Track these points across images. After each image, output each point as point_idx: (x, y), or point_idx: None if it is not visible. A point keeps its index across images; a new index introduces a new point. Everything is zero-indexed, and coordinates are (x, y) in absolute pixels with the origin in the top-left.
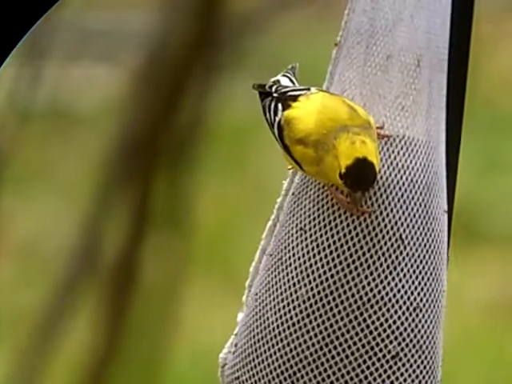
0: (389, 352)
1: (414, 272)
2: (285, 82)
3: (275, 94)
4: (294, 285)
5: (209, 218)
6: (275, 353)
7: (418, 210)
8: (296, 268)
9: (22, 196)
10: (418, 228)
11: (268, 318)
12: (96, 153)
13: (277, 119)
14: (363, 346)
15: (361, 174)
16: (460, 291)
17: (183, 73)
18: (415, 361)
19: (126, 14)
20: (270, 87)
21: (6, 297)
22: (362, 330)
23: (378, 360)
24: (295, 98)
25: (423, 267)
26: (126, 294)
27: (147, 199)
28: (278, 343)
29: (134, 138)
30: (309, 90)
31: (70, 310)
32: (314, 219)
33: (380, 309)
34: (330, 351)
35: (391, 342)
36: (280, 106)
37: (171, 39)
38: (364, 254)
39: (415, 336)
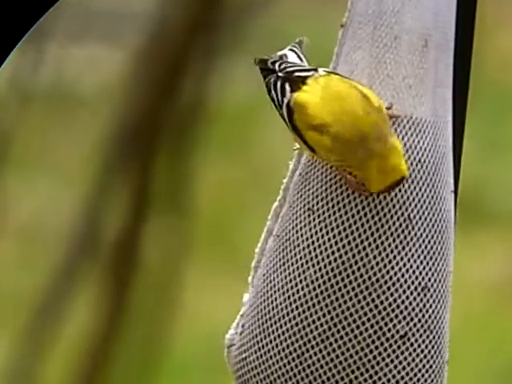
0: (397, 332)
1: (423, 252)
2: (292, 57)
3: (280, 74)
4: (303, 265)
5: (210, 200)
6: (283, 333)
7: (425, 190)
8: (304, 248)
9: (22, 178)
10: (426, 208)
11: (276, 299)
12: (97, 135)
13: (285, 100)
14: (372, 326)
15: (396, 186)
16: (463, 272)
17: (184, 55)
18: (423, 341)
19: None
20: (273, 63)
21: (6, 279)
22: (371, 310)
23: (387, 340)
24: (303, 80)
25: (431, 247)
26: (127, 276)
27: (148, 182)
28: (286, 323)
29: (135, 120)
30: (316, 70)
31: (71, 292)
32: (322, 199)
33: (388, 289)
34: (338, 331)
35: (399, 322)
36: (287, 86)
37: (172, 21)
38: (372, 234)
39: (423, 316)
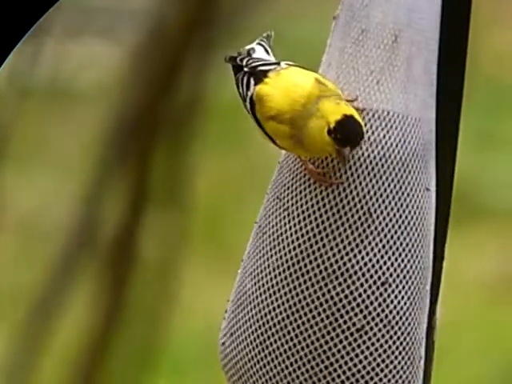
0: (353, 325)
1: (384, 247)
2: (259, 51)
3: (246, 69)
4: (267, 252)
5: (207, 194)
6: (250, 318)
7: (389, 186)
8: (270, 236)
9: (21, 173)
10: (389, 203)
11: (246, 285)
12: (95, 129)
13: (249, 94)
14: (327, 317)
15: (350, 128)
16: (459, 267)
17: (181, 51)
18: (383, 335)
19: None
20: (241, 60)
21: (5, 274)
22: (326, 301)
23: (343, 332)
24: (265, 74)
25: (394, 243)
26: (125, 270)
27: (146, 176)
28: (253, 309)
29: (132, 115)
30: (279, 64)
31: (69, 287)
32: (289, 188)
33: (345, 281)
34: (295, 320)
35: (356, 315)
36: (252, 80)
37: (170, 17)
38: (330, 224)
39: (383, 311)
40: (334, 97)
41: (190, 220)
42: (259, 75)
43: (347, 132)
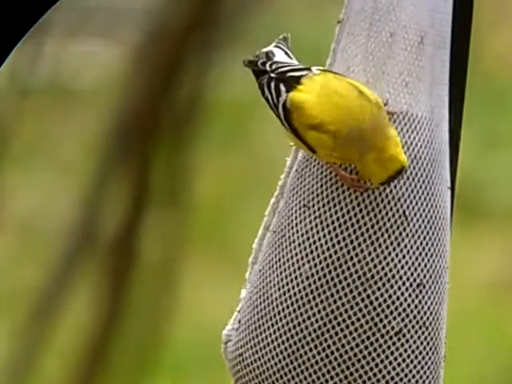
0: (392, 328)
1: (418, 248)
2: (279, 54)
3: (273, 75)
4: (298, 261)
5: (209, 193)
6: (279, 329)
7: (421, 187)
8: (300, 244)
9: (21, 172)
10: (422, 204)
11: (272, 295)
12: (96, 129)
13: (281, 100)
14: (367, 322)
15: (398, 176)
16: (460, 269)
17: (183, 49)
18: (419, 337)
19: None
20: (264, 64)
21: (5, 273)
22: (366, 307)
23: (382, 336)
24: (298, 80)
25: (426, 243)
26: (126, 269)
27: (146, 175)
28: (281, 319)
29: (133, 114)
30: (310, 70)
31: (70, 286)
32: (318, 195)
33: (384, 285)
34: (333, 327)
35: (395, 319)
36: (282, 87)
37: (170, 17)
38: (368, 230)
39: (418, 312)
40: (391, 137)
41: (190, 220)
42: (290, 82)
43: (395, 179)
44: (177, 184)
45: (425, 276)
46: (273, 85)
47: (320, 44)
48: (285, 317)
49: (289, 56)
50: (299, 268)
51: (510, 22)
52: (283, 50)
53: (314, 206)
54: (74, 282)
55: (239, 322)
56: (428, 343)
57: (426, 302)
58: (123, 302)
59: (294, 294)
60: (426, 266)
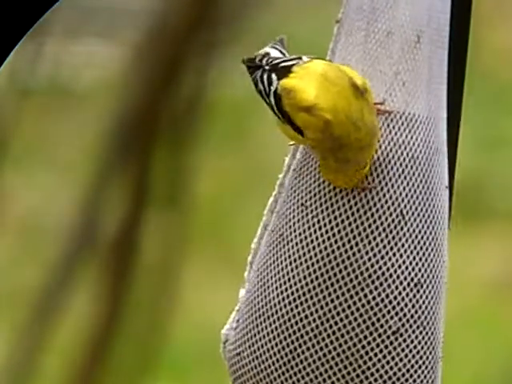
0: (389, 328)
1: (415, 248)
2: (275, 54)
3: (267, 67)
4: (295, 260)
5: (208, 193)
6: (276, 328)
7: (418, 186)
8: (297, 244)
9: (21, 172)
10: (419, 204)
11: (269, 294)
12: (96, 129)
13: (272, 88)
14: (364, 321)
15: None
16: (460, 267)
17: (183, 49)
18: (416, 337)
19: None
20: (261, 60)
21: (5, 273)
22: (363, 306)
23: (379, 336)
24: (289, 68)
25: (424, 243)
26: (126, 269)
27: (146, 175)
28: (278, 319)
29: (133, 114)
30: (300, 58)
31: (70, 286)
32: (315, 195)
33: (381, 284)
34: (330, 327)
35: (392, 318)
36: (274, 76)
37: (171, 16)
38: (365, 229)
39: (416, 312)
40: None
41: (190, 220)
42: (282, 71)
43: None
44: (177, 184)
45: (422, 275)
46: (265, 76)
47: (319, 44)
48: (282, 316)
49: (284, 55)
50: (296, 268)
51: (510, 20)
52: (279, 50)
53: (311, 205)
54: (74, 281)
55: (237, 321)
56: (426, 343)
57: (423, 302)
58: (123, 301)
59: (291, 293)
60: (423, 265)
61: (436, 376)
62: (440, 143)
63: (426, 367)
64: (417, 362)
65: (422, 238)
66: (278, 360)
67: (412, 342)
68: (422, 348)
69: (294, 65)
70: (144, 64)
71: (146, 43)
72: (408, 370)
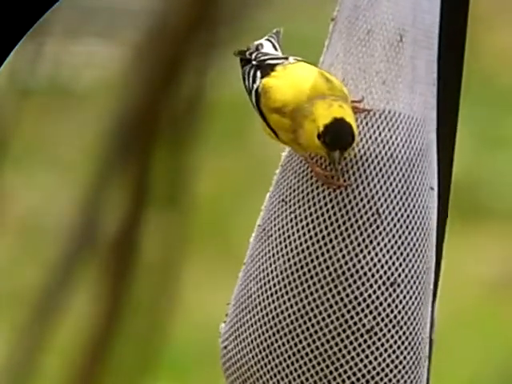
0: (363, 326)
1: (392, 247)
2: (267, 47)
3: (254, 62)
4: (274, 255)
5: (208, 192)
6: (256, 322)
7: (397, 186)
8: (276, 239)
9: (21, 172)
10: (397, 203)
11: (251, 288)
12: (96, 129)
13: (255, 86)
14: (337, 318)
15: (339, 132)
16: (459, 267)
17: (183, 49)
18: (392, 336)
19: None
20: (251, 54)
21: (5, 273)
22: (337, 303)
23: (353, 333)
24: (273, 67)
25: (402, 243)
26: (126, 269)
27: (146, 174)
28: (258, 313)
29: (133, 114)
30: (287, 59)
31: (70, 286)
32: (295, 191)
33: (355, 282)
34: (305, 322)
35: (366, 316)
36: (259, 73)
37: (171, 16)
38: (339, 226)
39: (392, 311)
40: (332, 97)
41: (190, 220)
42: (266, 68)
43: (336, 136)
44: (177, 184)
45: (399, 275)
46: (252, 72)
47: (319, 43)
48: (261, 310)
49: (275, 49)
50: (275, 262)
51: (509, 21)
52: (272, 43)
53: (290, 201)
54: (74, 281)
55: (226, 315)
56: (403, 342)
57: (400, 302)
58: (123, 301)
59: (270, 287)
60: (400, 265)
61: (419, 376)
62: (426, 144)
63: (404, 367)
64: (393, 362)
65: (400, 237)
66: (259, 352)
67: (387, 341)
68: (399, 348)
69: (277, 64)
70: (144, 64)
71: (145, 43)
72: (383, 369)
